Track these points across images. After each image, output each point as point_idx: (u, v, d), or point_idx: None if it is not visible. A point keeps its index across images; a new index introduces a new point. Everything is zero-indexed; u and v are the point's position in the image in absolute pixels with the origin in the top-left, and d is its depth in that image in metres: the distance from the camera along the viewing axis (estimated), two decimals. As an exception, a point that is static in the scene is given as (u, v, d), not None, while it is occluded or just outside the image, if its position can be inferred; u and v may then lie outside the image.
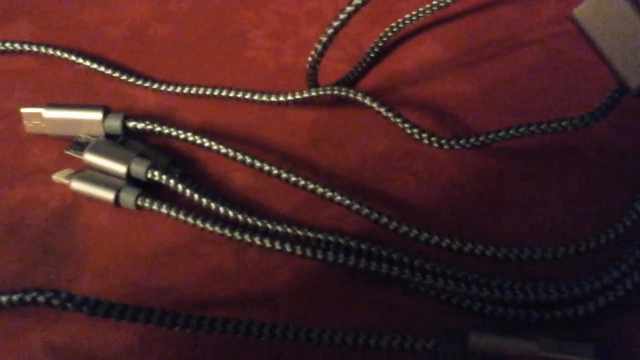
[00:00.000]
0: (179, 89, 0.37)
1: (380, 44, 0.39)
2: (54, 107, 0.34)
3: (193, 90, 0.37)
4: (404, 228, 0.29)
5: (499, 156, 0.34)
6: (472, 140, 0.32)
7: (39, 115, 0.34)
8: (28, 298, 0.26)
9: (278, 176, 0.32)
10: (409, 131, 0.33)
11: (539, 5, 0.42)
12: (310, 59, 0.34)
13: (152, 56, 0.40)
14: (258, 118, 0.36)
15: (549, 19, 0.41)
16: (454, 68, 0.39)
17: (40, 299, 0.26)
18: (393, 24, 0.40)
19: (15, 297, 0.26)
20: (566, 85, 0.37)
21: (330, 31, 0.33)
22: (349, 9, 0.32)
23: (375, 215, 0.30)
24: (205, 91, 0.37)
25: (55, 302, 0.26)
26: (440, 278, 0.28)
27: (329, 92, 0.34)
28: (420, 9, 0.40)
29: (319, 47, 0.33)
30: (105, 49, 0.40)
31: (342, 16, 0.32)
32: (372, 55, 0.39)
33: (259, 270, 0.31)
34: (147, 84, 0.37)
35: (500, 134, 0.32)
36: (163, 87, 0.37)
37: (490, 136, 0.32)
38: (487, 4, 0.42)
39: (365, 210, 0.30)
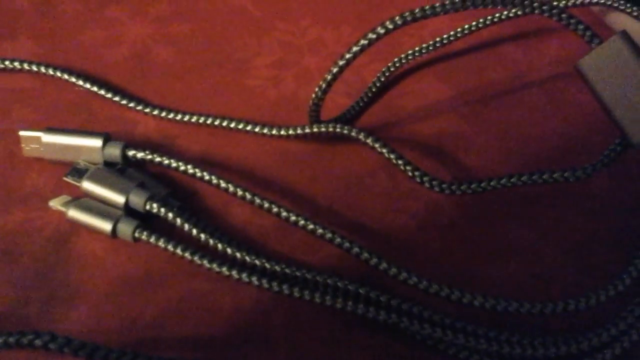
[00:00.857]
0: (179, 117, 0.37)
1: (383, 79, 0.39)
2: (53, 131, 0.34)
3: (194, 119, 0.37)
4: (404, 275, 0.29)
5: (499, 201, 0.34)
6: (473, 186, 0.32)
7: (37, 139, 0.34)
8: (25, 341, 0.26)
9: (277, 214, 0.31)
10: (410, 174, 0.32)
11: (542, 45, 0.42)
12: (313, 95, 0.34)
13: (153, 80, 0.40)
14: (258, 150, 0.36)
15: (551, 59, 0.41)
16: (455, 107, 0.39)
17: (38, 342, 0.25)
18: (396, 59, 0.40)
19: (11, 340, 0.26)
20: (567, 129, 0.37)
21: (335, 70, 0.33)
22: (355, 48, 0.32)
23: (375, 260, 0.30)
24: (206, 120, 0.37)
25: (52, 346, 0.25)
26: (438, 328, 0.28)
27: (330, 129, 0.34)
28: (424, 45, 0.40)
29: (324, 84, 0.33)
30: (106, 70, 0.40)
31: (347, 55, 0.32)
32: (374, 89, 0.39)
33: (255, 309, 0.30)
34: (147, 110, 0.37)
35: (502, 181, 0.32)
36: (164, 114, 0.37)
37: (492, 183, 0.32)
38: (491, 42, 0.42)
39: (365, 255, 0.30)
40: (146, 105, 0.37)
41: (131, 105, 0.38)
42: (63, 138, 0.34)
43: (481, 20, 0.40)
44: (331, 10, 0.44)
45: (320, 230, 0.31)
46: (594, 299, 0.29)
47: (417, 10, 0.31)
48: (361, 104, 0.38)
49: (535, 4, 0.31)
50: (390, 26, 0.31)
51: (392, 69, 0.39)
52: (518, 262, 0.32)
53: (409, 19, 0.31)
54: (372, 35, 0.32)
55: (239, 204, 0.33)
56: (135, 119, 0.37)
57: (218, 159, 0.36)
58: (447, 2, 0.31)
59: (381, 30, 0.31)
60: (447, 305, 0.30)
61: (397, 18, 0.31)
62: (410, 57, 0.40)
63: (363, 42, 0.32)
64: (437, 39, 0.40)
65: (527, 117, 0.38)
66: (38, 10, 0.43)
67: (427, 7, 0.31)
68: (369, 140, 0.33)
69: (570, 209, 0.34)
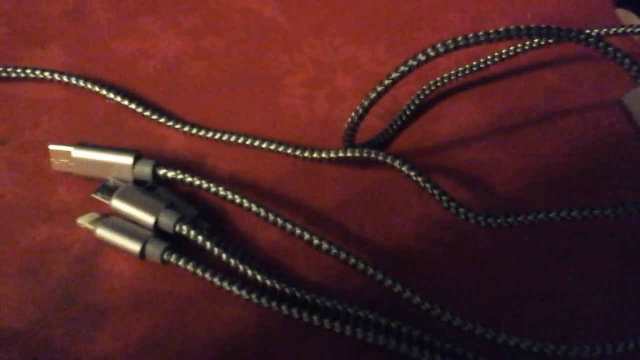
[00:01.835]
0: (210, 135, 0.36)
1: (418, 102, 0.38)
2: (84, 147, 0.33)
3: (225, 137, 0.36)
4: (437, 311, 0.29)
5: (535, 234, 0.34)
6: (510, 220, 0.32)
7: (67, 154, 0.33)
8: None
9: (310, 242, 0.31)
10: (446, 205, 0.32)
11: (581, 72, 0.41)
12: (349, 120, 0.33)
13: (184, 94, 0.39)
14: (290, 172, 0.35)
15: (590, 87, 0.40)
16: (490, 134, 0.38)
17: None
18: (432, 82, 0.39)
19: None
20: (604, 162, 0.37)
21: (373, 96, 0.32)
22: (394, 75, 0.31)
23: (408, 295, 0.29)
24: (237, 139, 0.36)
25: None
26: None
27: (365, 155, 0.34)
28: (460, 69, 0.39)
29: (361, 110, 0.32)
30: (137, 83, 0.39)
31: (387, 82, 0.32)
32: (408, 113, 0.38)
33: (283, 339, 0.30)
34: (178, 126, 0.37)
35: (540, 216, 0.31)
36: (195, 131, 0.36)
37: (530, 217, 0.32)
38: (528, 67, 0.41)
39: (398, 288, 0.29)
40: (177, 121, 0.37)
41: (162, 120, 0.37)
42: (93, 154, 0.33)
43: (519, 45, 0.39)
44: (364, 28, 0.43)
45: (352, 261, 0.30)
46: (633, 344, 0.28)
47: (460, 39, 0.30)
48: (395, 128, 0.38)
49: (582, 36, 0.30)
50: (433, 54, 0.31)
51: (427, 92, 0.39)
52: (554, 301, 0.31)
53: (451, 47, 0.30)
54: (412, 62, 0.31)
55: (269, 228, 0.32)
56: (165, 135, 0.37)
57: (248, 180, 0.35)
58: (491, 31, 0.30)
59: (423, 58, 0.31)
60: (480, 344, 0.29)
61: (439, 46, 0.30)
62: (446, 81, 0.39)
63: (403, 68, 0.31)
64: (474, 63, 0.39)
65: (564, 147, 0.37)
66: (70, 17, 0.43)
67: (470, 36, 0.30)
68: (404, 169, 0.33)
69: (610, 247, 0.33)
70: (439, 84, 0.39)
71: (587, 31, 0.37)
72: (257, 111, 0.38)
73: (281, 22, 0.43)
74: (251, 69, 0.41)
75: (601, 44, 0.30)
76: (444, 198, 0.32)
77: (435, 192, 0.32)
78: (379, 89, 0.32)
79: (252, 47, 0.42)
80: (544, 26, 0.30)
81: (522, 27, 0.30)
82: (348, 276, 0.31)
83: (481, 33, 0.30)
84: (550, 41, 0.38)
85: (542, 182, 0.35)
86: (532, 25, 0.30)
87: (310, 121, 0.38)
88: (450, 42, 0.30)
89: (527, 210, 0.32)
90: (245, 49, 0.42)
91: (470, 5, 0.45)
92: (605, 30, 0.39)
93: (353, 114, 0.33)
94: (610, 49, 0.30)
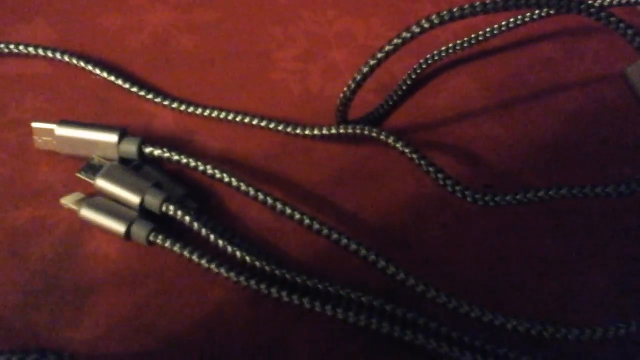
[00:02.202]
0: (199, 111, 0.35)
1: (414, 76, 0.37)
2: (68, 124, 0.32)
3: (214, 114, 0.35)
4: (432, 293, 0.28)
5: (534, 211, 0.33)
6: (507, 198, 0.31)
7: (51, 131, 0.32)
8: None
9: (301, 222, 0.29)
10: (442, 182, 0.31)
11: (582, 45, 0.40)
12: (342, 96, 0.32)
13: (173, 70, 0.38)
14: (281, 149, 0.34)
15: (592, 60, 0.39)
16: (489, 108, 0.37)
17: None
18: (429, 56, 0.38)
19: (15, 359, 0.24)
20: (608, 137, 0.35)
21: (366, 69, 0.31)
22: (388, 47, 0.30)
23: (402, 276, 0.28)
24: (227, 116, 0.35)
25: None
26: (467, 351, 0.27)
27: (359, 131, 0.32)
28: (459, 42, 0.38)
29: (353, 85, 0.31)
30: (124, 58, 0.38)
31: (379, 55, 0.30)
32: (404, 87, 0.37)
33: (274, 322, 0.29)
34: (166, 102, 0.35)
35: (540, 193, 0.30)
36: (183, 107, 0.35)
37: (529, 195, 0.30)
38: (528, 40, 0.40)
39: (392, 270, 0.28)
40: (165, 97, 0.36)
41: (149, 97, 0.36)
42: (77, 132, 0.32)
43: (519, 17, 0.38)
44: (359, 1, 0.42)
45: (344, 241, 0.29)
46: (635, 327, 0.27)
47: (455, 10, 0.29)
48: (391, 103, 0.36)
49: (583, 7, 0.29)
50: (427, 25, 0.29)
51: (424, 66, 0.38)
52: (552, 279, 0.30)
53: (446, 18, 0.29)
54: (406, 35, 0.30)
55: (259, 208, 0.31)
56: (153, 112, 0.36)
57: (238, 158, 0.34)
58: (488, 1, 0.29)
59: (416, 30, 0.29)
60: (476, 326, 0.28)
61: (434, 17, 0.29)
62: (443, 54, 0.38)
63: (397, 41, 0.30)
64: (473, 36, 0.38)
65: (565, 121, 0.36)
66: (56, -9, 0.41)
67: (466, 7, 0.29)
68: (399, 145, 0.31)
69: (611, 224, 0.32)
70: (436, 58, 0.38)
71: (589, 1, 0.35)
72: (249, 87, 0.37)
73: (274, -6, 0.42)
74: (243, 42, 0.39)
75: (603, 15, 0.29)
76: (440, 176, 0.31)
77: (431, 169, 0.31)
78: (372, 62, 0.30)
79: (244, 20, 0.40)
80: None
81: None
82: (340, 257, 0.30)
83: (477, 4, 0.28)
84: (551, 12, 0.37)
85: (541, 158, 0.34)
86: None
87: (304, 97, 0.37)
88: (445, 13, 0.29)
89: (526, 188, 0.30)
90: (236, 22, 0.40)
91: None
92: (608, 0, 0.37)
93: (345, 89, 0.32)
94: (612, 19, 0.29)
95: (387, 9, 0.41)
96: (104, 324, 0.28)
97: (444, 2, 0.42)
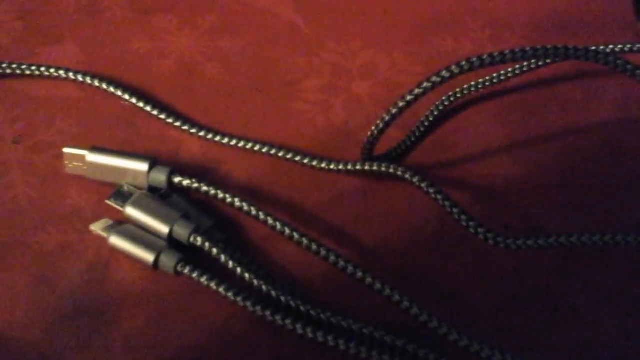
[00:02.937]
0: (226, 140, 0.36)
1: (436, 113, 0.38)
2: (99, 151, 0.33)
3: (241, 144, 0.36)
4: (454, 336, 0.28)
5: (554, 255, 0.34)
6: (529, 242, 0.31)
7: (82, 157, 0.33)
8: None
9: (326, 258, 0.30)
10: (465, 224, 0.31)
11: (601, 87, 0.41)
12: (369, 134, 0.33)
13: (199, 97, 0.39)
14: (306, 182, 0.35)
15: (610, 102, 0.40)
16: (509, 147, 0.37)
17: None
18: (451, 93, 0.38)
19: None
20: (627, 182, 0.36)
21: (394, 111, 0.32)
22: (417, 91, 0.31)
23: (424, 317, 0.29)
24: (253, 146, 0.36)
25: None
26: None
27: (384, 169, 0.33)
28: (480, 80, 0.39)
29: (381, 124, 0.32)
30: (151, 83, 0.39)
31: (409, 97, 0.31)
32: (426, 124, 0.38)
33: (298, 357, 0.29)
34: (193, 130, 0.36)
35: (561, 239, 0.31)
36: (210, 136, 0.36)
37: (550, 240, 0.31)
38: (547, 80, 0.41)
39: (415, 311, 0.29)
40: (192, 125, 0.36)
41: (177, 124, 0.37)
42: (108, 159, 0.33)
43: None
44: (383, 34, 0.43)
45: (369, 280, 0.30)
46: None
47: (485, 57, 0.30)
48: (412, 139, 0.37)
49: (600, 55, 0.30)
50: (457, 71, 0.30)
51: (446, 104, 0.38)
52: (573, 328, 0.31)
53: (476, 64, 0.30)
54: (436, 79, 0.30)
55: (285, 240, 0.32)
56: (180, 139, 0.36)
57: (263, 188, 0.35)
58: (517, 50, 0.30)
59: (446, 74, 0.30)
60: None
61: (464, 63, 0.30)
62: (465, 92, 0.39)
63: (426, 84, 0.31)
64: (494, 75, 0.39)
65: (584, 163, 0.37)
66: (84, 13, 0.42)
67: (496, 54, 0.30)
68: (423, 185, 0.32)
69: (632, 271, 0.32)
70: (458, 95, 0.38)
71: (604, 48, 0.36)
72: (273, 117, 0.38)
73: (299, 24, 0.43)
74: (267, 72, 0.40)
75: (619, 62, 0.30)
76: (463, 217, 0.31)
77: (455, 210, 0.32)
78: (401, 104, 0.31)
79: (269, 49, 0.41)
80: (560, 46, 0.30)
81: (539, 47, 0.30)
82: (364, 294, 0.31)
83: (507, 52, 0.30)
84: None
85: (561, 200, 0.35)
86: (549, 45, 0.30)
87: (326, 128, 0.38)
88: (475, 60, 0.30)
89: (547, 234, 0.31)
90: (261, 51, 0.41)
91: (488, 11, 0.44)
92: (620, 46, 0.38)
93: (373, 128, 0.32)
94: (628, 66, 0.30)
95: (410, 42, 0.42)
96: (130, 351, 0.29)
97: (465, 38, 0.42)
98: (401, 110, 0.31)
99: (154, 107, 0.37)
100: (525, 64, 0.39)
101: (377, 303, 0.30)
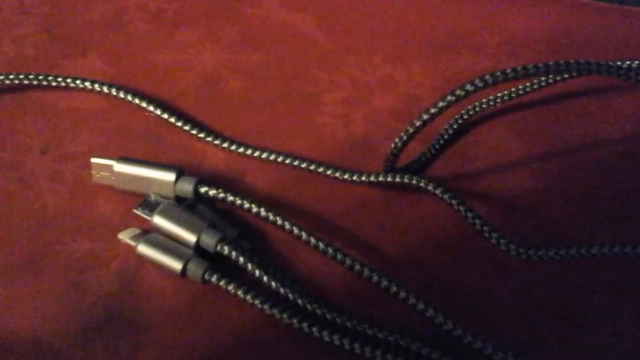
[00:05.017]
0: (249, 152, 0.36)
1: (456, 126, 0.39)
2: (126, 161, 0.34)
3: (264, 155, 0.36)
4: (479, 344, 0.29)
5: (573, 267, 0.34)
6: (550, 253, 0.32)
7: (109, 167, 0.34)
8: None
9: (351, 267, 0.31)
10: (487, 235, 0.32)
11: (616, 102, 0.41)
12: (392, 146, 0.33)
13: (222, 109, 0.40)
14: (327, 192, 0.36)
15: (626, 116, 0.40)
16: (526, 161, 0.38)
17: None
18: (469, 107, 0.39)
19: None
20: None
21: (418, 124, 0.32)
22: (441, 104, 0.32)
23: (449, 326, 0.29)
24: (276, 157, 0.36)
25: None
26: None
27: (406, 180, 0.34)
28: (499, 94, 0.39)
29: (405, 136, 0.33)
30: (175, 95, 0.39)
31: (432, 110, 0.32)
32: (446, 137, 0.38)
33: (324, 365, 0.30)
34: (217, 142, 0.37)
35: (582, 250, 0.32)
36: (233, 147, 0.37)
37: (571, 252, 0.32)
38: (564, 94, 0.41)
39: (439, 319, 0.30)
40: (216, 136, 0.37)
41: (201, 135, 0.37)
42: (135, 169, 0.34)
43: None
44: (402, 49, 0.43)
45: (394, 289, 0.30)
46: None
47: (509, 71, 0.31)
48: (432, 151, 0.38)
49: (621, 71, 0.31)
50: (480, 85, 0.31)
51: (465, 117, 0.39)
52: (587, 333, 0.32)
53: (500, 78, 0.31)
54: (460, 92, 0.31)
55: (309, 250, 0.32)
56: (204, 150, 0.37)
57: (287, 199, 0.35)
58: (541, 65, 0.30)
59: (470, 88, 0.31)
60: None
61: (488, 77, 0.31)
62: (484, 106, 0.39)
63: (450, 98, 0.31)
64: (513, 89, 0.40)
65: (601, 176, 0.37)
66: (108, 25, 0.43)
67: (519, 68, 0.30)
68: (446, 196, 0.33)
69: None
70: (477, 109, 0.39)
71: (629, 64, 0.37)
72: (294, 129, 0.38)
73: (318, 38, 0.44)
74: (288, 85, 0.41)
75: (631, 74, 0.31)
76: (485, 228, 0.32)
77: (477, 221, 0.32)
78: (425, 117, 0.32)
79: (290, 63, 0.42)
80: (581, 61, 0.31)
81: (561, 62, 0.31)
82: (387, 302, 0.31)
83: (531, 66, 0.30)
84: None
85: (579, 212, 0.36)
86: (571, 61, 0.31)
87: (347, 142, 0.38)
88: (499, 74, 0.31)
89: (568, 244, 0.32)
90: (282, 64, 0.42)
91: (506, 26, 0.45)
92: (635, 62, 0.39)
93: (397, 140, 0.33)
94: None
95: (428, 57, 0.43)
96: (160, 358, 0.29)
97: (481, 53, 0.43)
98: (425, 123, 0.32)
99: (178, 119, 0.37)
100: (542, 78, 0.39)
101: (401, 311, 0.31)
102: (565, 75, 0.38)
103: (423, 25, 0.45)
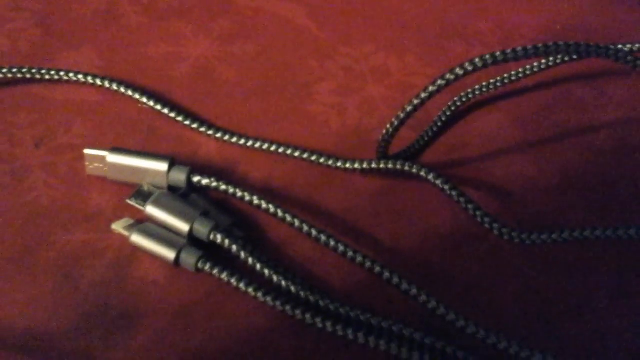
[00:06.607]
0: (242, 141, 0.36)
1: (449, 113, 0.39)
2: (119, 152, 0.34)
3: (257, 145, 0.36)
4: (472, 328, 0.29)
5: (567, 250, 0.34)
6: (543, 237, 0.32)
7: (102, 158, 0.34)
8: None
9: (344, 254, 0.31)
10: (480, 220, 0.32)
11: (610, 87, 0.41)
12: (384, 132, 0.33)
13: (215, 99, 0.40)
14: (321, 181, 0.36)
15: (619, 102, 0.40)
16: (521, 146, 0.38)
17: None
18: (462, 93, 0.39)
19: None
20: (636, 176, 0.36)
21: (409, 108, 0.32)
22: (431, 88, 0.32)
23: (442, 310, 0.29)
24: (269, 147, 0.36)
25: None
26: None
27: (399, 167, 0.34)
28: (492, 81, 0.39)
29: (396, 122, 0.33)
30: (168, 87, 0.39)
31: (423, 95, 0.32)
32: (439, 124, 0.38)
33: (318, 351, 0.30)
34: (210, 132, 0.37)
35: (575, 234, 0.32)
36: (227, 137, 0.37)
37: (564, 235, 0.32)
38: (558, 80, 0.41)
39: (433, 304, 0.29)
40: (209, 127, 0.37)
41: (194, 126, 0.37)
42: (128, 159, 0.34)
43: (551, 58, 0.39)
44: (395, 37, 0.43)
45: (387, 275, 0.30)
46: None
47: (498, 54, 0.30)
48: (426, 138, 0.38)
49: (611, 52, 0.30)
50: (470, 68, 0.31)
51: (458, 104, 0.39)
52: (584, 316, 0.32)
53: (489, 62, 0.31)
54: (450, 76, 0.31)
55: (301, 237, 0.33)
56: (197, 141, 0.37)
57: (279, 187, 0.35)
58: (529, 47, 0.30)
59: (460, 72, 0.31)
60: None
61: (477, 60, 0.31)
62: (477, 92, 0.39)
63: (440, 82, 0.31)
64: (505, 75, 0.39)
65: (595, 161, 0.37)
66: (101, 19, 0.43)
67: (509, 51, 0.30)
68: (438, 182, 0.33)
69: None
70: (470, 95, 0.39)
71: (618, 46, 0.37)
72: (288, 119, 0.38)
73: (311, 28, 0.44)
74: (281, 75, 0.41)
75: (629, 58, 0.31)
76: (478, 213, 0.32)
77: (470, 206, 0.32)
78: (415, 101, 0.32)
79: (282, 53, 0.42)
80: (571, 42, 0.30)
81: (550, 44, 0.30)
82: (380, 289, 0.31)
83: (521, 48, 0.30)
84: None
85: (573, 197, 0.36)
86: (560, 42, 0.30)
87: (341, 130, 0.38)
88: (488, 57, 0.31)
89: (561, 228, 0.32)
90: (275, 55, 0.42)
91: (499, 14, 0.45)
92: (636, 45, 0.39)
93: (388, 126, 0.33)
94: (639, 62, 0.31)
95: (421, 45, 0.43)
96: (154, 348, 0.29)
97: (475, 41, 0.43)
98: (416, 108, 0.32)
99: (171, 110, 0.37)
100: (535, 64, 0.39)
101: (394, 297, 0.31)
102: (558, 59, 0.38)
103: (416, 14, 0.45)
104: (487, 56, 0.30)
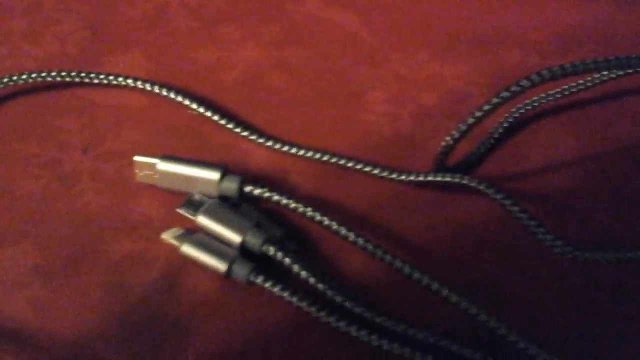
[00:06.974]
0: (293, 150, 0.35)
1: (506, 125, 0.37)
2: (170, 159, 0.33)
3: (309, 154, 0.35)
4: (534, 350, 0.27)
5: (628, 271, 0.33)
6: (608, 255, 0.30)
7: (152, 165, 0.33)
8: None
9: (400, 270, 0.30)
10: (541, 236, 0.31)
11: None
12: (444, 144, 0.32)
13: (265, 107, 0.39)
14: (374, 192, 0.35)
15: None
16: (581, 161, 0.37)
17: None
18: (520, 105, 0.38)
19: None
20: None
21: (471, 121, 0.31)
22: (495, 100, 0.31)
23: (503, 332, 0.28)
24: (322, 156, 0.35)
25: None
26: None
27: (457, 180, 0.33)
28: (550, 92, 0.38)
29: (457, 134, 0.32)
30: (217, 93, 0.39)
31: (486, 107, 0.31)
32: (496, 136, 0.37)
33: (371, 370, 0.28)
34: (260, 140, 0.36)
35: (640, 254, 0.30)
36: (277, 146, 0.36)
37: (630, 254, 0.30)
38: (615, 93, 0.40)
39: (482, 317, 0.29)
40: (260, 135, 0.36)
41: (244, 133, 0.36)
42: (179, 167, 0.33)
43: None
44: (448, 45, 0.42)
45: (445, 292, 0.30)
46: None
47: (567, 66, 0.29)
48: (482, 150, 0.37)
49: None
50: (537, 80, 0.30)
51: (515, 115, 0.38)
52: (635, 340, 0.30)
53: (558, 74, 0.29)
54: (515, 88, 0.30)
55: (354, 250, 0.31)
56: (248, 149, 0.36)
57: (332, 198, 0.34)
58: (589, 61, 0.29)
59: (526, 84, 0.30)
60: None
61: (544, 72, 0.29)
62: (535, 104, 0.38)
63: (505, 94, 0.30)
64: (565, 87, 0.38)
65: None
66: (150, 23, 0.42)
67: (578, 63, 0.29)
68: (498, 197, 0.32)
69: None
70: (528, 107, 0.38)
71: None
72: (340, 127, 0.38)
73: (363, 34, 0.43)
74: (333, 83, 0.40)
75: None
76: (540, 230, 0.31)
77: (532, 223, 0.31)
78: (478, 114, 0.31)
79: (333, 60, 0.41)
80: (633, 56, 0.29)
81: (611, 58, 0.29)
82: (436, 306, 0.30)
83: (591, 61, 0.28)
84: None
85: (634, 213, 0.34)
86: (622, 56, 0.29)
87: (394, 140, 0.37)
88: (557, 69, 0.29)
89: (627, 248, 0.30)
90: (326, 62, 0.41)
91: (554, 23, 0.44)
92: None
93: (448, 138, 0.32)
94: None
95: (475, 54, 0.41)
96: (204, 361, 0.28)
97: (531, 49, 0.42)
98: (478, 121, 0.31)
99: (221, 117, 0.36)
100: (596, 75, 0.38)
101: (449, 315, 0.31)
102: (623, 72, 0.37)
103: (469, 21, 0.44)
104: (556, 68, 0.29)
